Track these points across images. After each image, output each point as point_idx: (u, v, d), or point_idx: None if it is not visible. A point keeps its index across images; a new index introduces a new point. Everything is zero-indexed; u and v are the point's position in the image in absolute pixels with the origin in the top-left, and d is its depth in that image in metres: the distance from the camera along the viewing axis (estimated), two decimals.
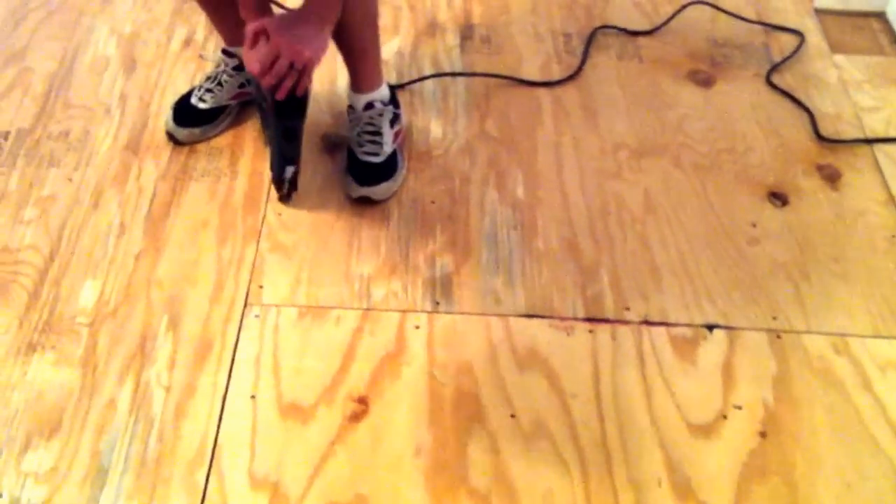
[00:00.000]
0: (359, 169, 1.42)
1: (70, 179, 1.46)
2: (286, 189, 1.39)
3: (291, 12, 1.21)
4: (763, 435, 1.15)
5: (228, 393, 1.18)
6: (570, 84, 1.65)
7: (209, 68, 1.61)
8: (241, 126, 1.55)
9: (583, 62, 1.68)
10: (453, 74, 1.65)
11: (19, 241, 1.37)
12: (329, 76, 1.63)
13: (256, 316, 1.27)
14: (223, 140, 1.52)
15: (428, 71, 1.66)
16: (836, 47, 1.74)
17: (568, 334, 1.26)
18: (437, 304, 1.29)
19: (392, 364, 1.22)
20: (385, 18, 1.76)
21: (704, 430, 1.15)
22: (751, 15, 1.80)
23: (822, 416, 1.17)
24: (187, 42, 1.73)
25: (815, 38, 1.76)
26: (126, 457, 1.12)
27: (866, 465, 1.13)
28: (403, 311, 1.28)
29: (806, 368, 1.22)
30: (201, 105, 1.50)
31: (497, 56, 1.70)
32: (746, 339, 1.26)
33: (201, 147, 1.51)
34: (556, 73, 1.67)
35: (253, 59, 1.20)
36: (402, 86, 1.62)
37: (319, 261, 1.34)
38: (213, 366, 1.21)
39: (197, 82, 1.57)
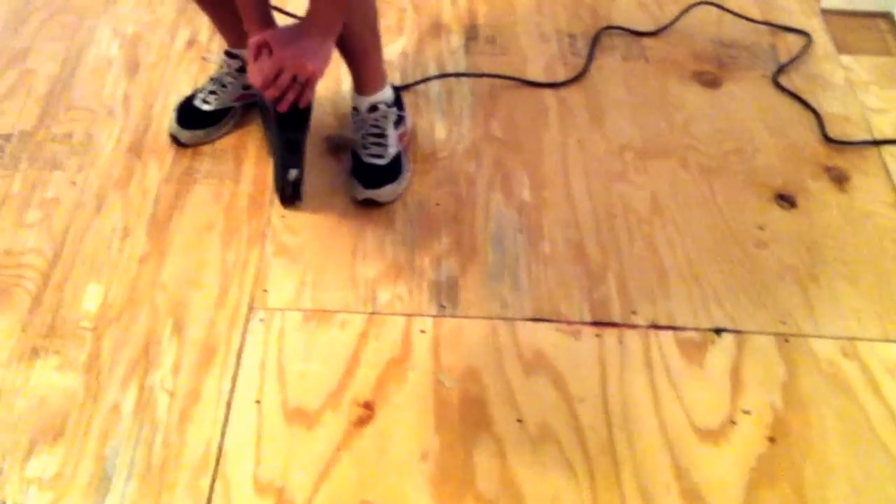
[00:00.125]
0: (363, 171, 1.41)
1: (73, 182, 1.45)
2: (289, 194, 1.38)
3: (294, 25, 1.22)
4: (772, 440, 1.14)
5: (233, 398, 1.18)
6: (575, 85, 1.64)
7: (213, 70, 1.60)
8: (246, 128, 1.54)
9: (588, 63, 1.67)
10: (458, 75, 1.65)
11: (22, 244, 1.36)
12: (333, 78, 1.62)
13: (261, 320, 1.26)
14: (227, 142, 1.52)
15: (433, 72, 1.65)
16: (842, 48, 1.73)
17: (575, 338, 1.25)
18: (443, 307, 1.28)
19: (398, 369, 1.21)
20: (389, 19, 1.75)
21: (713, 436, 1.14)
22: (757, 15, 1.79)
23: (831, 420, 1.16)
24: (190, 43, 1.72)
25: (821, 38, 1.75)
26: (130, 462, 1.11)
27: (876, 470, 1.12)
28: (409, 316, 1.27)
29: (815, 372, 1.21)
30: (205, 107, 1.50)
31: (502, 57, 1.69)
32: (755, 343, 1.25)
33: (205, 149, 1.50)
34: (562, 74, 1.66)
35: (256, 72, 1.20)
36: (406, 87, 1.61)
37: (324, 264, 1.34)
38: (218, 370, 1.20)
39: (200, 84, 1.56)
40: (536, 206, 1.43)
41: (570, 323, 1.27)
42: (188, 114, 1.50)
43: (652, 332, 1.26)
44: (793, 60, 1.69)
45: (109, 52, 1.70)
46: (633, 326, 1.26)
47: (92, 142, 1.52)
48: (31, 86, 1.62)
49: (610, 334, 1.25)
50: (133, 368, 1.21)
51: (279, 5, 1.66)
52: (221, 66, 1.51)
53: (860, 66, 1.69)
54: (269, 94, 1.21)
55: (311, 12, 1.20)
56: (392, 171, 1.42)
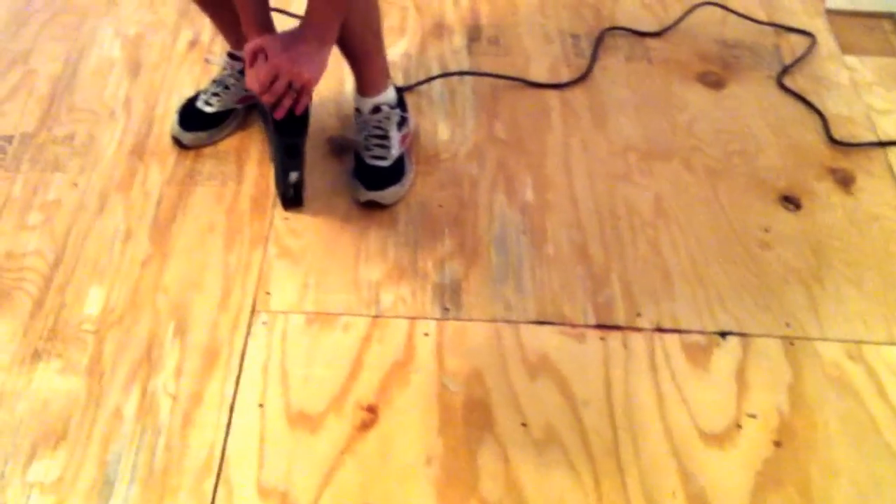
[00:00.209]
0: (366, 173, 1.41)
1: (75, 184, 1.45)
2: (290, 196, 1.38)
3: (291, 31, 1.21)
4: (778, 444, 1.14)
5: (236, 401, 1.17)
6: (578, 86, 1.63)
7: (215, 72, 1.59)
8: (248, 130, 1.53)
9: (591, 64, 1.67)
10: (461, 73, 1.64)
11: (24, 246, 1.35)
12: (336, 80, 1.61)
13: (264, 323, 1.26)
14: (229, 144, 1.51)
15: (435, 73, 1.65)
16: (847, 49, 1.72)
17: (579, 341, 1.24)
18: (447, 310, 1.28)
19: (401, 372, 1.20)
20: (392, 20, 1.74)
21: (718, 440, 1.14)
22: (761, 16, 1.79)
23: (837, 424, 1.16)
24: (193, 44, 1.71)
25: (826, 39, 1.74)
26: (133, 467, 1.11)
27: (882, 474, 1.11)
28: (412, 318, 1.26)
29: (820, 376, 1.21)
30: (207, 109, 1.49)
31: (505, 57, 1.69)
32: (760, 346, 1.24)
33: (207, 151, 1.50)
34: (565, 75, 1.65)
35: (252, 78, 1.20)
36: (409, 87, 1.61)
37: (327, 266, 1.33)
38: (221, 374, 1.20)
39: (203, 86, 1.55)
40: (540, 207, 1.42)
41: (574, 326, 1.26)
42: (190, 115, 1.50)
43: (656, 335, 1.25)
44: (797, 61, 1.68)
45: (111, 53, 1.69)
46: (638, 329, 1.26)
47: (94, 143, 1.51)
48: (32, 87, 1.62)
49: (614, 337, 1.25)
50: (135, 372, 1.20)
51: (282, 7, 1.65)
52: (224, 68, 1.50)
53: (865, 67, 1.68)
54: (266, 100, 1.21)
55: (307, 18, 1.19)
56: (395, 172, 1.41)
